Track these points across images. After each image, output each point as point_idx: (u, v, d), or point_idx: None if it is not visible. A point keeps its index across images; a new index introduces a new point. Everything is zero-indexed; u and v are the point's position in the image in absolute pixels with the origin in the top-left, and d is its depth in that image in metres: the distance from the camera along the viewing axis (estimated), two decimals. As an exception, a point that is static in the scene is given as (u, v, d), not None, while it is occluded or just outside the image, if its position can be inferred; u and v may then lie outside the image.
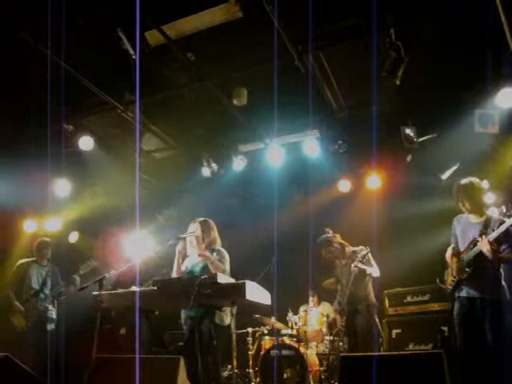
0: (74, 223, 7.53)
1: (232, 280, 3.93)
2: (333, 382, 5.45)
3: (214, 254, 4.39)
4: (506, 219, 3.93)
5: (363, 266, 5.30)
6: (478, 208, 4.12)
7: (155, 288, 3.91)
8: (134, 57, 4.57)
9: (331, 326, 5.89)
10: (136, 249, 6.31)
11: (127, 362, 3.24)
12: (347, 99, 5.67)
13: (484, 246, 3.85)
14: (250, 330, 5.99)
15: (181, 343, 5.38)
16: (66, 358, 5.70)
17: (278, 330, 5.89)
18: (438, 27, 4.45)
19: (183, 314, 4.41)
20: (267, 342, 5.91)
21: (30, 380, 3.06)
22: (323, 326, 5.91)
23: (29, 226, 7.36)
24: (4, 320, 5.69)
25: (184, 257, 4.54)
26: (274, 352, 5.56)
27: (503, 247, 3.92)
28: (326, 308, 6.34)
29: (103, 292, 3.91)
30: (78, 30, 4.47)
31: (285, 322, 5.97)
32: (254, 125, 6.23)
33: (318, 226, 5.98)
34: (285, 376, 5.44)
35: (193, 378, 3.75)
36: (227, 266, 4.36)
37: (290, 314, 5.94)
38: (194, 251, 4.45)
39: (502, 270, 3.97)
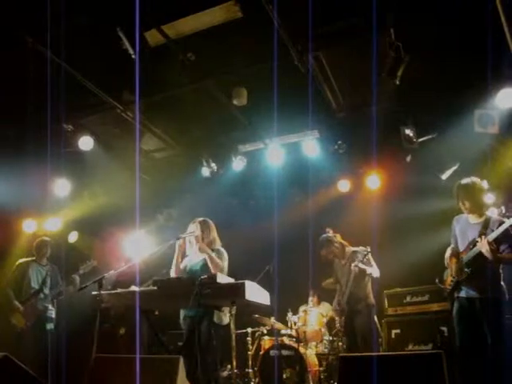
0: (74, 223, 7.52)
1: (231, 280, 3.93)
2: (332, 382, 5.46)
3: (214, 253, 4.40)
4: (505, 220, 3.94)
5: (363, 266, 5.30)
6: (478, 208, 4.11)
7: (155, 288, 3.91)
8: (133, 57, 4.56)
9: (330, 325, 5.89)
10: (136, 249, 6.32)
11: (127, 361, 3.23)
12: (347, 99, 5.66)
13: (483, 247, 3.85)
14: (249, 330, 5.99)
15: (180, 343, 5.38)
16: (66, 358, 5.69)
17: (278, 330, 5.89)
18: (437, 27, 4.45)
19: (182, 313, 4.41)
20: (267, 342, 5.91)
21: (29, 380, 3.05)
22: (323, 326, 5.91)
23: (28, 226, 7.35)
24: (3, 319, 5.69)
25: (183, 256, 4.55)
26: (273, 352, 5.56)
27: (503, 248, 3.92)
28: (326, 308, 6.34)
29: (103, 292, 3.90)
30: (77, 29, 4.45)
31: (284, 322, 5.97)
32: (253, 125, 6.22)
33: (318, 226, 5.98)
34: (284, 376, 5.45)
35: (192, 378, 3.75)
36: (225, 265, 4.37)
37: (289, 314, 5.95)
38: (194, 250, 4.45)
39: (501, 270, 3.97)
